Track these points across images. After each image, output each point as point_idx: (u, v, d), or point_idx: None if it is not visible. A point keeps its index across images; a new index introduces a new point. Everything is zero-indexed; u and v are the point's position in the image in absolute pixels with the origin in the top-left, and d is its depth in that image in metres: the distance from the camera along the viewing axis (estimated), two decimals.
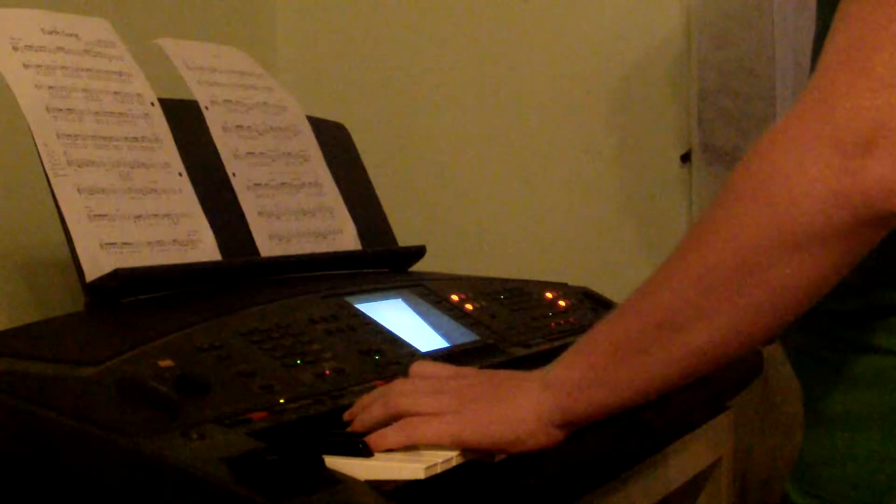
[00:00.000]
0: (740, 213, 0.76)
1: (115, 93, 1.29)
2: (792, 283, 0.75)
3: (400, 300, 1.31)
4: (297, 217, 1.46)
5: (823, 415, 0.87)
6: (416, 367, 0.98)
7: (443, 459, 0.83)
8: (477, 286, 1.43)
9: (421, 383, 0.94)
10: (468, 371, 0.97)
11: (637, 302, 0.83)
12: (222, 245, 1.32)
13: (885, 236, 0.79)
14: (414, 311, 1.31)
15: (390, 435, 0.87)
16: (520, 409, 0.87)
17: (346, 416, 0.94)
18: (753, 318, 0.77)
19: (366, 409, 0.92)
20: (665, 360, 0.81)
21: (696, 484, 1.44)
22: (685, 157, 1.79)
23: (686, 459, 1.34)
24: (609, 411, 0.86)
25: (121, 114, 1.28)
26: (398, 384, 0.94)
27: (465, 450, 0.87)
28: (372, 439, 0.87)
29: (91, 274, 1.15)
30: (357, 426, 0.91)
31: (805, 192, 0.72)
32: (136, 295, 1.19)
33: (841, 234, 0.72)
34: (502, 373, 0.95)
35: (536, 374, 0.89)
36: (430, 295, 1.35)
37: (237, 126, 1.44)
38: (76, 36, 1.29)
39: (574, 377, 0.86)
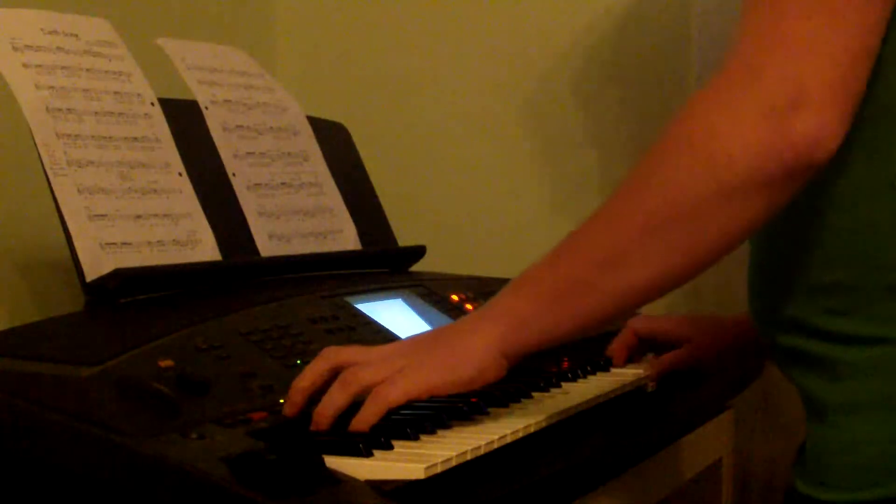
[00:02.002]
0: (680, 166, 0.84)
1: (115, 93, 1.29)
2: (726, 228, 0.84)
3: (400, 300, 1.31)
4: (297, 217, 1.46)
5: (823, 407, 0.90)
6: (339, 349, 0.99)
7: (443, 459, 0.83)
8: (477, 286, 1.43)
9: (362, 350, 0.96)
10: (400, 340, 1.03)
11: (579, 241, 0.91)
12: (222, 245, 1.32)
13: (869, 232, 0.86)
14: (414, 311, 1.31)
15: (366, 412, 0.89)
16: (473, 345, 0.92)
17: (288, 408, 0.94)
18: (688, 259, 0.85)
19: (325, 398, 0.92)
20: (605, 295, 0.88)
21: (696, 484, 1.44)
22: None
23: (686, 459, 1.34)
24: (552, 342, 0.92)
25: (121, 114, 1.28)
26: (338, 354, 0.95)
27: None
28: (353, 426, 0.89)
29: (91, 274, 1.15)
30: (322, 420, 0.91)
31: (741, 149, 0.81)
32: (136, 295, 1.19)
33: (771, 184, 0.81)
34: (444, 325, 1.02)
35: (478, 312, 0.96)
36: (430, 295, 1.35)
37: (237, 126, 1.44)
38: (76, 36, 1.28)
39: (521, 310, 0.92)
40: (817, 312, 0.89)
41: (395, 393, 0.90)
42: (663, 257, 0.85)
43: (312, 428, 0.91)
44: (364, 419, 0.89)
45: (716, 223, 0.83)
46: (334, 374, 0.93)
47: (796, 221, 0.89)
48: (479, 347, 0.92)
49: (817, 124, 0.80)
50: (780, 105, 0.80)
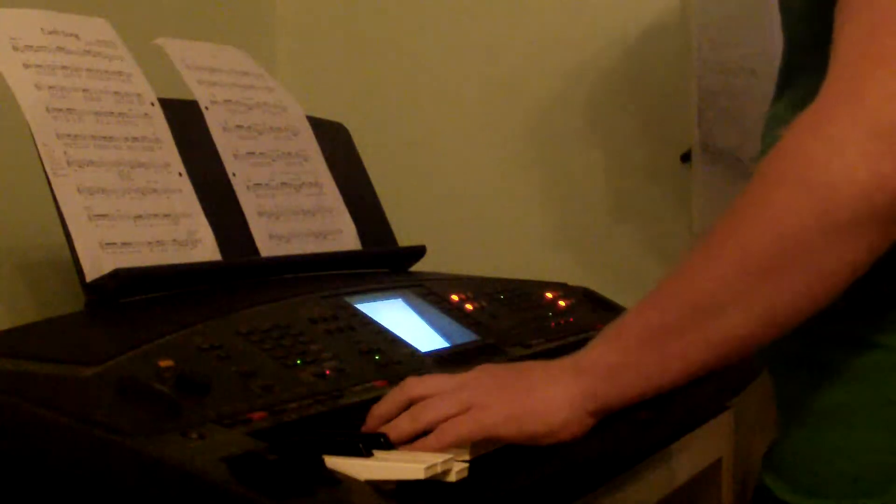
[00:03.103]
0: (780, 199, 0.76)
1: (115, 93, 1.29)
2: (831, 268, 0.76)
3: (400, 300, 1.31)
4: (297, 217, 1.46)
5: (809, 411, 0.87)
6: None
7: (443, 459, 0.83)
8: (477, 286, 1.43)
9: (442, 381, 0.92)
10: (484, 365, 0.96)
11: (672, 286, 0.83)
12: (222, 245, 1.32)
13: None
14: (414, 311, 1.31)
15: (426, 446, 0.86)
16: (552, 398, 0.86)
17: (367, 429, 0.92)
18: (790, 303, 0.78)
19: (393, 426, 0.89)
20: (700, 344, 0.81)
21: (696, 484, 1.44)
22: (685, 157, 1.79)
23: (686, 459, 1.34)
24: (642, 396, 0.86)
25: (121, 114, 1.28)
26: (417, 386, 0.91)
27: (473, 445, 0.85)
28: (405, 429, 0.87)
29: (91, 274, 1.15)
30: (374, 422, 0.90)
31: (845, 178, 0.73)
32: (136, 295, 1.19)
33: (880, 218, 0.73)
34: (524, 363, 0.94)
35: (566, 362, 0.88)
36: (430, 295, 1.35)
37: (237, 126, 1.44)
38: (76, 36, 1.29)
39: (608, 362, 0.85)
40: (824, 312, 0.83)
41: (461, 434, 0.86)
42: (765, 301, 0.78)
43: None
44: (423, 449, 0.87)
45: (820, 262, 0.76)
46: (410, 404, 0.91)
47: None
48: (559, 401, 0.86)
49: None
50: (885, 128, 0.73)
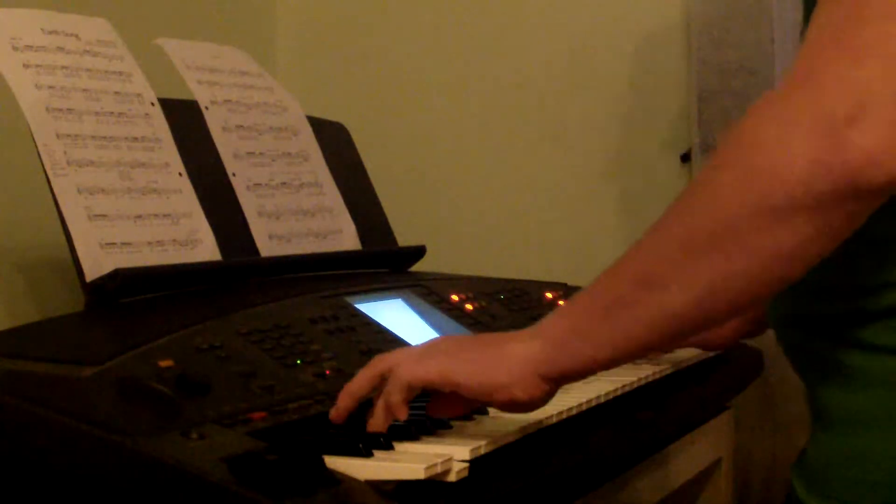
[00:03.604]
0: (723, 180, 0.77)
1: (115, 93, 1.29)
2: (769, 252, 0.75)
3: (400, 300, 1.31)
4: (297, 217, 1.46)
5: (835, 416, 0.86)
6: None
7: (442, 460, 0.83)
8: (477, 286, 1.43)
9: (410, 348, 0.94)
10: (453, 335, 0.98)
11: (626, 259, 0.84)
12: (222, 245, 1.32)
13: (893, 236, 0.80)
14: (414, 311, 1.31)
15: (389, 391, 0.87)
16: (509, 355, 0.86)
17: (335, 414, 0.92)
18: (729, 283, 0.77)
19: (372, 422, 0.90)
20: (643, 318, 0.81)
21: (696, 484, 1.44)
22: (685, 157, 1.79)
23: (686, 459, 1.34)
24: (591, 367, 0.85)
25: (121, 114, 1.28)
26: (385, 360, 0.92)
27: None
28: (378, 407, 0.88)
29: (91, 274, 1.15)
30: (379, 420, 0.90)
31: (786, 162, 0.72)
32: (136, 295, 1.19)
33: (821, 206, 0.72)
34: (496, 333, 0.97)
35: (526, 329, 0.89)
36: (430, 295, 1.35)
37: (237, 126, 1.44)
38: (76, 36, 1.29)
39: (560, 329, 0.86)
40: (840, 317, 0.84)
41: (416, 372, 0.87)
42: (702, 282, 0.77)
43: (331, 416, 0.91)
44: (389, 402, 0.88)
45: (756, 247, 0.75)
46: (383, 380, 0.91)
47: None
48: (515, 358, 0.86)
49: (879, 140, 0.70)
50: (837, 114, 0.70)
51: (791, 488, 0.90)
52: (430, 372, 0.87)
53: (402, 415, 0.89)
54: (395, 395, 0.88)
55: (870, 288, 0.83)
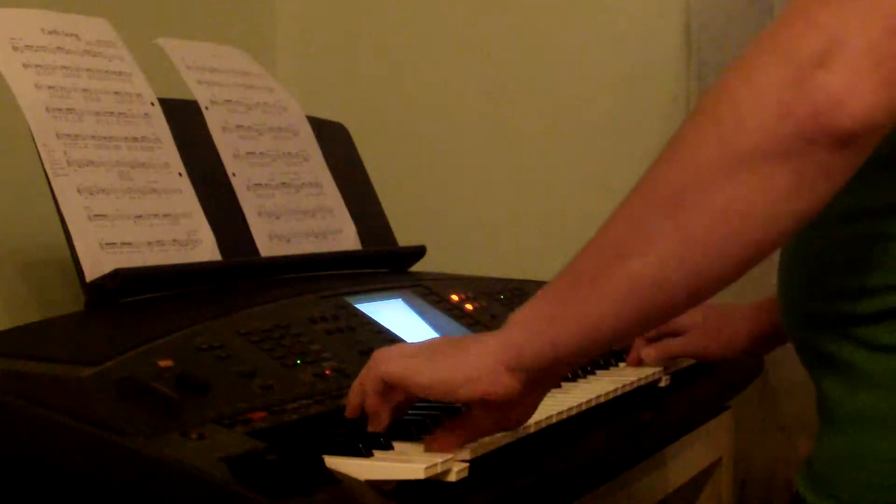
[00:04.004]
0: (689, 133, 0.74)
1: (115, 93, 1.29)
2: (736, 206, 0.71)
3: (400, 300, 1.31)
4: (297, 217, 1.46)
5: (842, 416, 0.86)
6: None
7: (442, 459, 0.83)
8: (477, 286, 1.43)
9: (402, 346, 0.92)
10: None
11: (593, 238, 0.80)
12: (222, 245, 1.32)
13: None
14: (414, 311, 1.31)
15: (367, 381, 0.86)
16: (474, 352, 0.83)
17: (349, 412, 0.91)
18: (697, 245, 0.72)
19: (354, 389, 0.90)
20: (611, 289, 0.76)
21: (696, 484, 1.44)
22: None
23: (686, 459, 1.34)
24: (554, 353, 0.80)
25: (121, 114, 1.28)
26: (382, 366, 0.89)
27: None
28: (367, 407, 0.87)
29: (91, 274, 1.15)
30: (377, 422, 0.88)
31: (751, 107, 0.69)
32: (136, 295, 1.19)
33: (789, 153, 0.68)
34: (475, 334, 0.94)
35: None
36: (430, 295, 1.35)
37: (237, 126, 1.44)
38: (76, 36, 1.29)
39: (528, 315, 0.81)
40: (849, 316, 0.83)
41: (381, 368, 0.85)
42: (670, 242, 0.73)
43: (371, 428, 0.89)
44: (366, 389, 0.87)
45: (722, 198, 0.70)
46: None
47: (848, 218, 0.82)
48: (479, 354, 0.82)
49: (846, 84, 0.67)
50: (804, 57, 0.67)
51: (796, 490, 0.90)
52: (396, 370, 0.85)
53: (375, 404, 0.87)
54: (368, 383, 0.87)
55: (878, 288, 0.82)
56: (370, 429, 0.89)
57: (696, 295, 0.76)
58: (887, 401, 0.82)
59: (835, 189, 0.71)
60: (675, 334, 1.27)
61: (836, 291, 0.85)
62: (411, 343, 0.95)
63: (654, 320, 0.79)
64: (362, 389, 0.89)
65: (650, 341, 1.26)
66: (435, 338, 0.94)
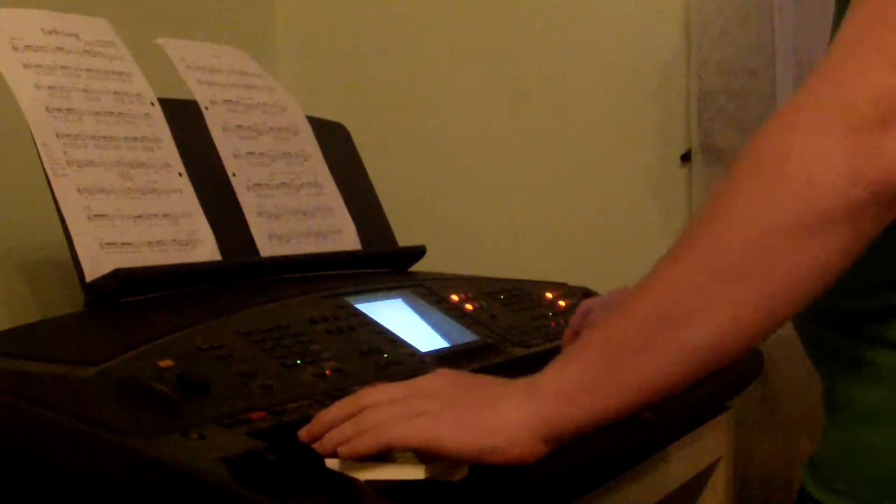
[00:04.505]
0: (752, 195, 0.72)
1: (115, 93, 1.29)
2: (804, 268, 0.71)
3: (400, 300, 1.31)
4: (297, 217, 1.46)
5: (845, 410, 0.86)
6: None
7: (443, 460, 0.82)
8: (477, 286, 1.43)
9: (393, 389, 0.85)
10: (443, 371, 0.89)
11: (637, 296, 0.77)
12: (222, 245, 1.32)
13: None
14: (414, 311, 1.31)
15: (362, 440, 0.80)
16: (502, 416, 0.79)
17: (305, 435, 0.85)
18: (761, 307, 0.73)
19: (337, 430, 0.83)
20: (665, 358, 0.75)
21: (696, 484, 1.44)
22: (685, 157, 1.79)
23: (686, 459, 1.34)
24: (600, 422, 0.79)
25: (121, 114, 1.28)
26: (369, 395, 0.84)
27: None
28: (343, 451, 0.81)
29: (91, 274, 1.15)
30: (328, 446, 0.82)
31: (822, 172, 0.70)
32: (136, 295, 1.19)
33: (857, 216, 0.70)
34: (483, 377, 0.87)
35: (526, 379, 0.82)
36: (430, 295, 1.35)
37: (237, 126, 1.44)
38: (76, 36, 1.29)
39: (564, 383, 0.79)
40: (858, 312, 0.83)
41: (397, 433, 0.80)
42: (733, 307, 0.73)
43: (318, 450, 0.83)
44: (355, 446, 0.81)
45: (793, 262, 0.71)
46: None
47: None
48: (509, 419, 0.78)
49: None
50: (868, 121, 0.69)
51: (801, 485, 0.90)
52: (413, 437, 0.79)
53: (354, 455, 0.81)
54: (365, 448, 0.80)
55: (887, 284, 0.82)
56: (330, 465, 0.83)
57: (742, 351, 0.76)
58: (893, 396, 0.82)
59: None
60: None
61: (848, 287, 0.84)
62: (398, 388, 0.85)
63: (695, 381, 0.78)
64: (330, 426, 0.83)
65: None
66: (428, 384, 0.85)
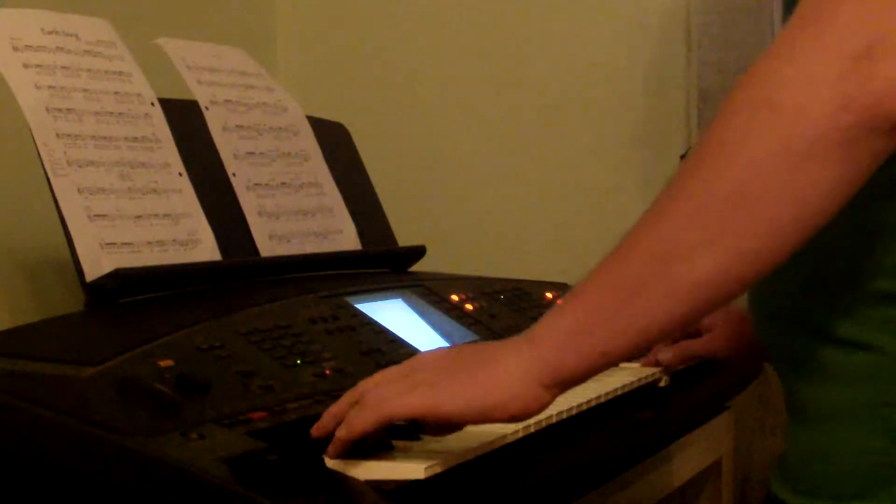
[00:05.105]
0: (743, 125, 0.73)
1: (115, 93, 1.29)
2: (799, 194, 0.71)
3: (400, 300, 1.31)
4: (297, 217, 1.46)
5: (808, 411, 0.87)
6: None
7: (443, 459, 0.82)
8: (477, 286, 1.43)
9: (390, 370, 0.85)
10: (437, 348, 0.88)
11: (633, 237, 0.78)
12: (222, 245, 1.32)
13: (875, 233, 0.79)
14: (414, 311, 1.31)
15: (361, 417, 0.80)
16: (503, 371, 0.79)
17: (315, 431, 0.85)
18: (760, 238, 0.73)
19: (345, 423, 0.82)
20: (667, 295, 0.74)
21: (696, 484, 1.44)
22: (685, 158, 1.79)
23: (686, 459, 1.34)
24: (602, 365, 0.78)
25: (121, 114, 1.28)
26: (368, 382, 0.85)
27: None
28: (342, 432, 0.81)
29: (91, 274, 1.15)
30: (328, 421, 0.84)
31: (811, 98, 0.70)
32: (136, 295, 1.19)
33: (846, 140, 0.70)
34: (479, 344, 0.87)
35: (520, 335, 0.81)
36: (430, 295, 1.35)
37: (237, 126, 1.44)
38: (76, 36, 1.29)
39: (564, 327, 0.79)
40: (817, 311, 0.84)
41: (396, 405, 0.80)
42: (732, 239, 0.72)
43: (313, 432, 0.85)
44: (355, 423, 0.81)
45: (788, 191, 0.71)
46: None
47: None
48: (509, 373, 0.78)
49: None
50: (857, 51, 0.69)
51: (769, 487, 0.90)
52: (413, 407, 0.79)
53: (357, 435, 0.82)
54: (367, 423, 0.80)
55: (842, 284, 0.83)
56: (333, 454, 0.84)
57: (745, 286, 0.76)
58: (862, 395, 0.82)
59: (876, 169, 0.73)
60: (695, 334, 1.24)
61: (805, 287, 0.85)
62: (396, 368, 0.86)
63: (705, 315, 0.78)
64: (340, 417, 0.83)
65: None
66: (423, 357, 0.87)
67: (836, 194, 0.72)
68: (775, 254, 0.74)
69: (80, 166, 1.20)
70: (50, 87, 1.22)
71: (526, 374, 0.78)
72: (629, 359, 0.80)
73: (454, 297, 1.36)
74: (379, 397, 0.81)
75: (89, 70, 1.27)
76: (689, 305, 0.75)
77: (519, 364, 0.79)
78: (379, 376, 0.85)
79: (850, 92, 0.69)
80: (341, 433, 0.81)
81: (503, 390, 0.78)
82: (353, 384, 1.00)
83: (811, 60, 0.71)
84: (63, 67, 1.24)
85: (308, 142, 1.54)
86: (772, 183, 0.71)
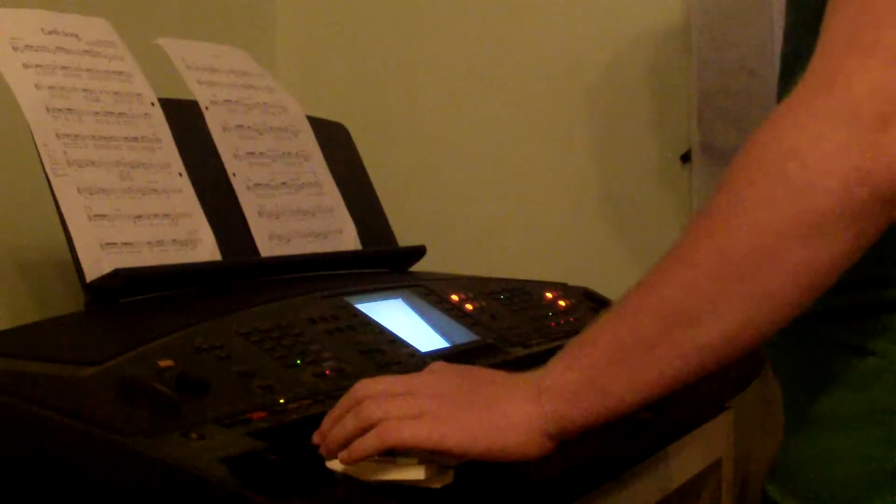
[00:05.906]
0: (753, 195, 0.72)
1: (115, 93, 1.29)
2: (808, 268, 0.72)
3: (400, 300, 1.31)
4: (297, 217, 1.46)
5: (805, 416, 0.86)
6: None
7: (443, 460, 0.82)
8: (477, 286, 1.43)
9: (392, 383, 0.85)
10: (440, 366, 0.89)
11: (641, 296, 0.78)
12: (222, 245, 1.32)
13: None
14: (414, 311, 1.31)
15: (363, 443, 0.80)
16: (509, 415, 0.80)
17: (317, 437, 0.85)
18: (767, 307, 0.74)
19: (340, 426, 0.83)
20: (673, 357, 0.76)
21: (696, 484, 1.44)
22: (685, 157, 1.79)
23: (686, 459, 1.34)
24: (608, 417, 0.80)
25: (121, 114, 1.28)
26: (366, 387, 0.85)
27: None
28: (344, 456, 0.81)
29: (91, 274, 1.15)
30: (332, 446, 0.83)
31: (823, 170, 0.70)
32: (136, 295, 1.19)
33: (859, 214, 0.70)
34: (485, 373, 0.87)
35: (528, 377, 0.82)
36: (430, 295, 1.35)
37: (237, 126, 1.44)
38: (76, 36, 1.29)
39: (572, 381, 0.80)
40: (813, 317, 0.82)
41: (402, 434, 0.79)
42: (741, 307, 0.74)
43: (322, 452, 0.84)
44: (357, 449, 0.80)
45: (795, 262, 0.71)
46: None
47: None
48: (516, 419, 0.79)
49: None
50: (869, 120, 0.69)
51: (764, 494, 0.90)
52: (418, 437, 0.79)
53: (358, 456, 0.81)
54: (370, 451, 0.80)
55: (840, 288, 0.81)
56: (330, 466, 0.83)
57: (749, 349, 0.77)
58: (860, 400, 0.82)
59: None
60: None
61: None
62: (398, 381, 0.86)
63: (703, 377, 0.80)
64: (353, 454, 0.82)
65: None
66: (429, 381, 0.85)
67: (844, 265, 0.73)
68: (783, 320, 0.75)
69: (80, 166, 1.20)
70: (50, 87, 1.22)
71: (532, 423, 0.80)
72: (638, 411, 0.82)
73: (454, 297, 1.36)
74: (380, 418, 0.81)
75: (89, 70, 1.27)
76: (699, 366, 0.77)
77: (526, 412, 0.80)
78: (379, 385, 0.85)
79: (865, 166, 0.69)
80: (343, 457, 0.81)
81: (509, 436, 0.80)
82: (353, 384, 1.00)
83: (824, 130, 0.70)
84: (63, 67, 1.24)
85: (308, 142, 1.54)
86: (782, 257, 0.72)
